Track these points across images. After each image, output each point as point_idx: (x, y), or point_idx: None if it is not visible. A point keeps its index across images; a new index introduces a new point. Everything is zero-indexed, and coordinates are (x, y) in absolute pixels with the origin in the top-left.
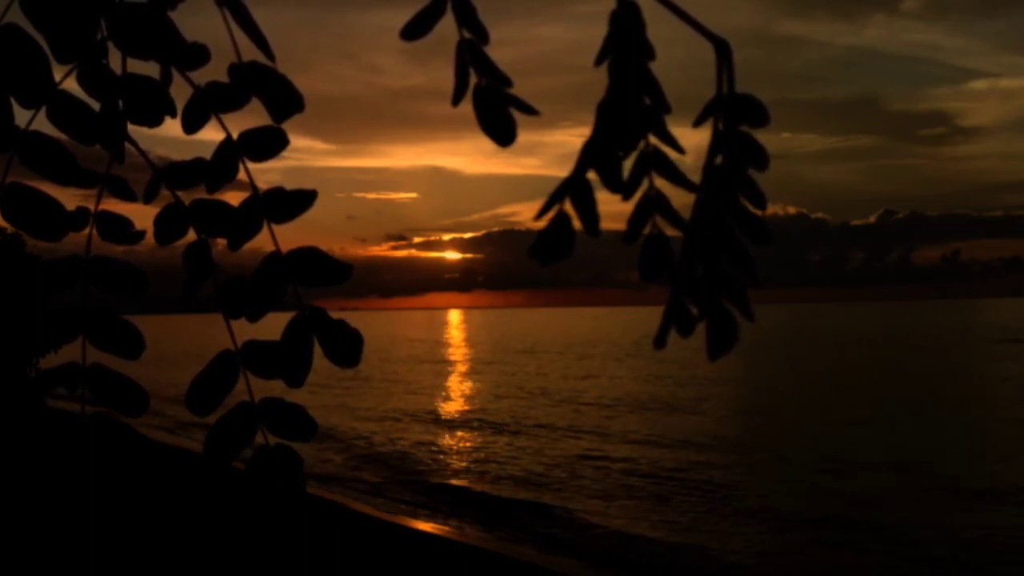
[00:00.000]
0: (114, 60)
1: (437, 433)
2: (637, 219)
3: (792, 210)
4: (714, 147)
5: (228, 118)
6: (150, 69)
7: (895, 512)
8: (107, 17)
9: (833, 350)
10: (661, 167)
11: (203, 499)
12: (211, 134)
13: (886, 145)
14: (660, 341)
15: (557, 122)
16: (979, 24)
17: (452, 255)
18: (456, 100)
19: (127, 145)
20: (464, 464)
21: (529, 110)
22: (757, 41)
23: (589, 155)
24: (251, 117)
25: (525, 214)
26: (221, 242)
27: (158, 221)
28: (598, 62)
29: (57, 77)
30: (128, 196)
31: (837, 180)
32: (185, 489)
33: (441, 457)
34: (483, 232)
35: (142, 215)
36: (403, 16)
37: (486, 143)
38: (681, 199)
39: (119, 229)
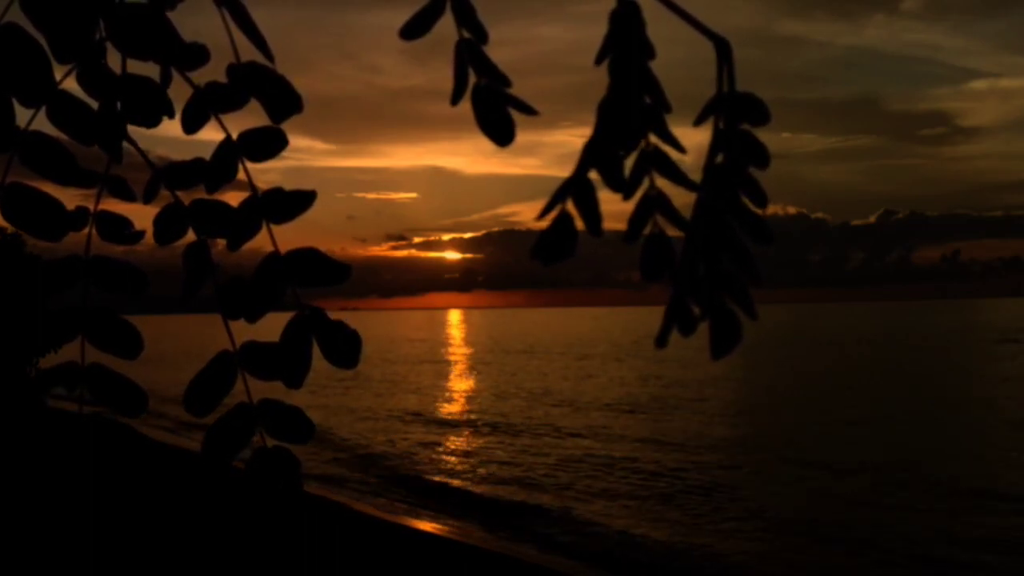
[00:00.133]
0: (113, 60)
1: (437, 433)
2: (638, 218)
3: (792, 210)
4: (715, 146)
5: (228, 118)
6: (149, 69)
7: (895, 513)
8: (106, 17)
9: (833, 350)
10: (662, 166)
11: (203, 499)
12: (211, 134)
13: (886, 145)
14: (662, 340)
15: (557, 122)
16: (979, 24)
17: (452, 255)
18: (455, 100)
19: (127, 145)
20: (464, 464)
21: (528, 110)
22: (757, 41)
23: (590, 154)
24: (251, 117)
25: (525, 214)
26: (221, 242)
27: (157, 221)
28: (598, 61)
29: (57, 77)
30: (128, 196)
31: (837, 180)
32: (185, 489)
33: (441, 457)
34: (483, 232)
35: (142, 215)
36: (403, 16)
37: (486, 143)
38: (682, 198)
39: (119, 229)
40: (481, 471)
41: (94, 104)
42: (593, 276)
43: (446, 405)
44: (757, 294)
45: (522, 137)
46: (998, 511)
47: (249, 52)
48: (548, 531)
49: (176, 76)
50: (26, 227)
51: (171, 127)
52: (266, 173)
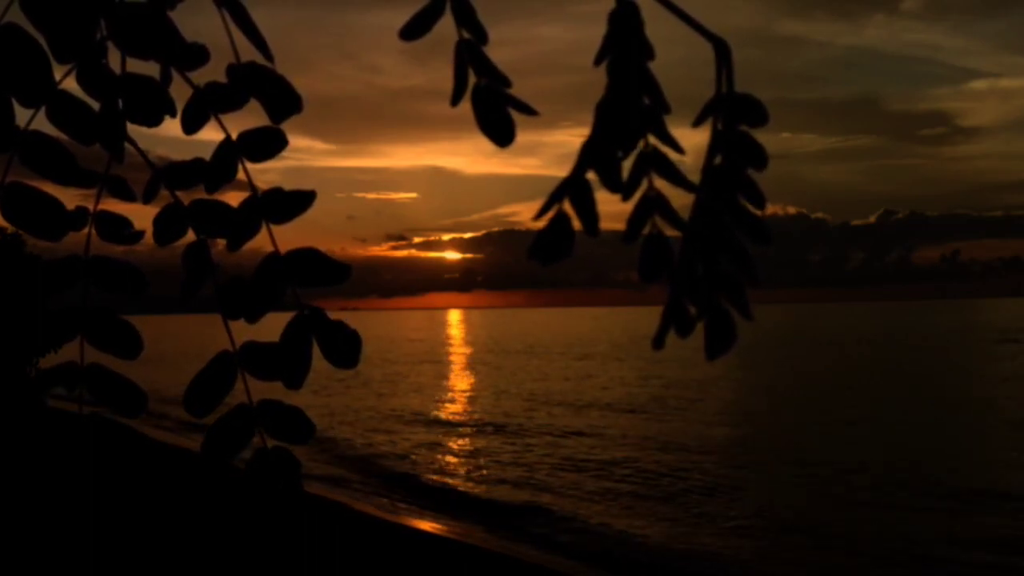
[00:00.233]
0: (114, 60)
1: (437, 434)
2: (636, 219)
3: (792, 210)
4: (713, 147)
5: (228, 118)
6: (149, 70)
7: (895, 513)
8: (107, 17)
9: (833, 350)
10: (660, 167)
11: (203, 499)
12: (210, 134)
13: (886, 145)
14: (659, 341)
15: (557, 122)
16: (979, 24)
17: (452, 255)
18: (455, 100)
19: (127, 145)
20: (464, 465)
21: (528, 110)
22: (757, 41)
23: (588, 155)
24: (251, 117)
25: (525, 214)
26: (220, 242)
27: (157, 221)
28: (597, 62)
29: (57, 77)
30: (127, 196)
31: (837, 180)
32: (185, 489)
33: (441, 458)
34: (483, 232)
35: (141, 215)
36: (403, 16)
37: (486, 143)
38: (680, 199)
39: (118, 229)
40: (481, 471)
41: (94, 104)
42: (592, 276)
43: (446, 405)
44: (757, 294)
45: (522, 137)
46: (998, 511)
47: (249, 52)
48: (548, 531)
49: (176, 76)
50: (26, 227)
51: (171, 127)
52: (266, 173)
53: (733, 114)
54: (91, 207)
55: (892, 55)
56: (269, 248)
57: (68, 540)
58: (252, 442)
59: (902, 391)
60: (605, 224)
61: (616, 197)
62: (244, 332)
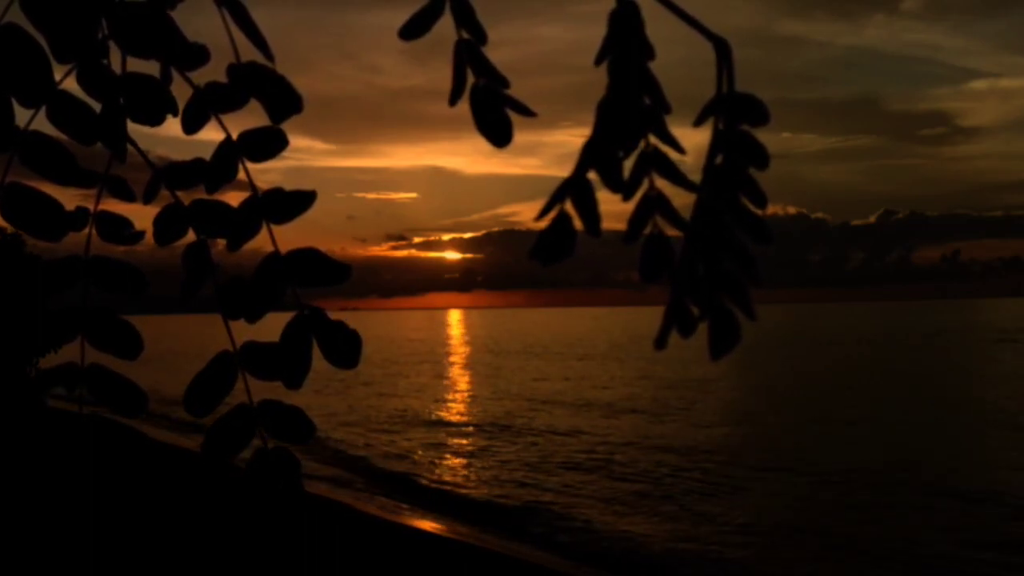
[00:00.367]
0: (114, 60)
1: (437, 434)
2: (638, 219)
3: (792, 210)
4: (714, 146)
5: (228, 118)
6: (150, 69)
7: (895, 514)
8: (107, 16)
9: (833, 350)
10: (661, 167)
11: (203, 499)
12: (211, 134)
13: (886, 145)
14: (661, 342)
15: (557, 122)
16: (979, 24)
17: (452, 255)
18: (453, 100)
19: (127, 145)
20: (464, 465)
21: (525, 111)
22: (757, 41)
23: (589, 155)
24: (251, 117)
25: (525, 214)
26: (221, 242)
27: (158, 221)
28: (598, 61)
29: (57, 77)
30: (128, 196)
31: (837, 180)
32: (185, 489)
33: (441, 458)
34: (483, 232)
35: (142, 215)
36: (403, 16)
37: (486, 143)
38: (682, 199)
39: (118, 229)
40: (482, 471)
41: (94, 104)
42: (592, 276)
43: (446, 405)
44: (757, 294)
45: (522, 137)
46: (999, 513)
47: (249, 52)
48: (548, 531)
49: (176, 76)
50: (26, 227)
51: (171, 127)
52: (266, 173)
53: (734, 113)
54: (91, 207)
55: (892, 55)
56: (269, 248)
57: (68, 540)
58: (252, 442)
59: (902, 391)
60: (605, 224)
61: (616, 197)
62: (244, 332)
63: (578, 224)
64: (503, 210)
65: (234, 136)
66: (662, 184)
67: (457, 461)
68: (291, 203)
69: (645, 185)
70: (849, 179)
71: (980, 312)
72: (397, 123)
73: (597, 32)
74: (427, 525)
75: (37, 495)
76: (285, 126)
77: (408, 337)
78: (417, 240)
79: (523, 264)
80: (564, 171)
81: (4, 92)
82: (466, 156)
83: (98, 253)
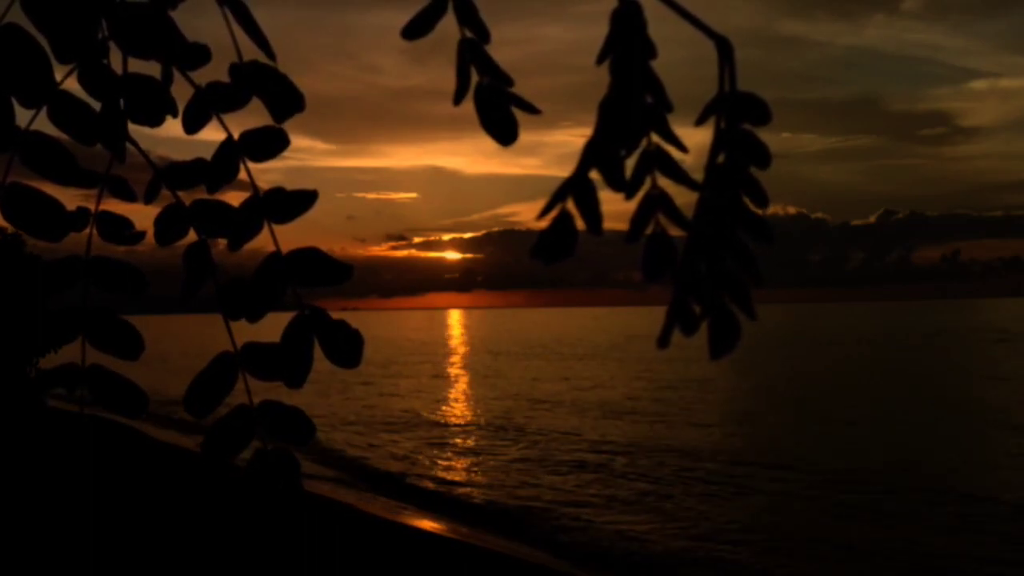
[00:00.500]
0: (115, 60)
1: (437, 434)
2: (640, 218)
3: (792, 210)
4: (716, 145)
5: (229, 118)
6: (151, 69)
7: (894, 515)
8: (108, 17)
9: (833, 350)
10: (664, 166)
11: (203, 499)
12: (212, 134)
13: (886, 145)
14: (664, 340)
15: (557, 122)
16: (979, 24)
17: (452, 255)
18: (458, 99)
19: (128, 145)
20: (464, 465)
21: (531, 109)
22: (757, 41)
23: (591, 154)
24: (252, 117)
25: (525, 214)
26: (221, 243)
27: (158, 221)
28: (600, 60)
29: (58, 77)
30: (128, 196)
31: (837, 180)
32: (185, 489)
33: (441, 458)
34: (483, 232)
35: (142, 215)
36: (403, 16)
37: (486, 143)
38: (683, 198)
39: (119, 229)
40: (482, 471)
41: (95, 104)
42: (593, 276)
43: (446, 406)
44: (757, 294)
45: (522, 137)
46: (999, 513)
47: (250, 52)
48: (548, 531)
49: (177, 76)
50: (26, 227)
51: (172, 127)
52: (267, 173)
53: (736, 112)
54: (92, 207)
55: (892, 55)
56: (269, 248)
57: (68, 540)
58: (252, 442)
59: (902, 391)
60: (605, 224)
61: (617, 196)
62: (244, 332)
63: (579, 223)
64: (503, 210)
65: (235, 136)
66: (664, 183)
67: (457, 461)
68: (292, 203)
69: (647, 184)
70: (849, 179)
71: (980, 312)
72: (397, 123)
73: (598, 32)
74: (427, 525)
75: (37, 495)
76: (285, 126)
77: (408, 337)
78: (417, 240)
79: (523, 264)
80: (564, 171)
81: (5, 92)
82: (466, 156)
83: (99, 253)
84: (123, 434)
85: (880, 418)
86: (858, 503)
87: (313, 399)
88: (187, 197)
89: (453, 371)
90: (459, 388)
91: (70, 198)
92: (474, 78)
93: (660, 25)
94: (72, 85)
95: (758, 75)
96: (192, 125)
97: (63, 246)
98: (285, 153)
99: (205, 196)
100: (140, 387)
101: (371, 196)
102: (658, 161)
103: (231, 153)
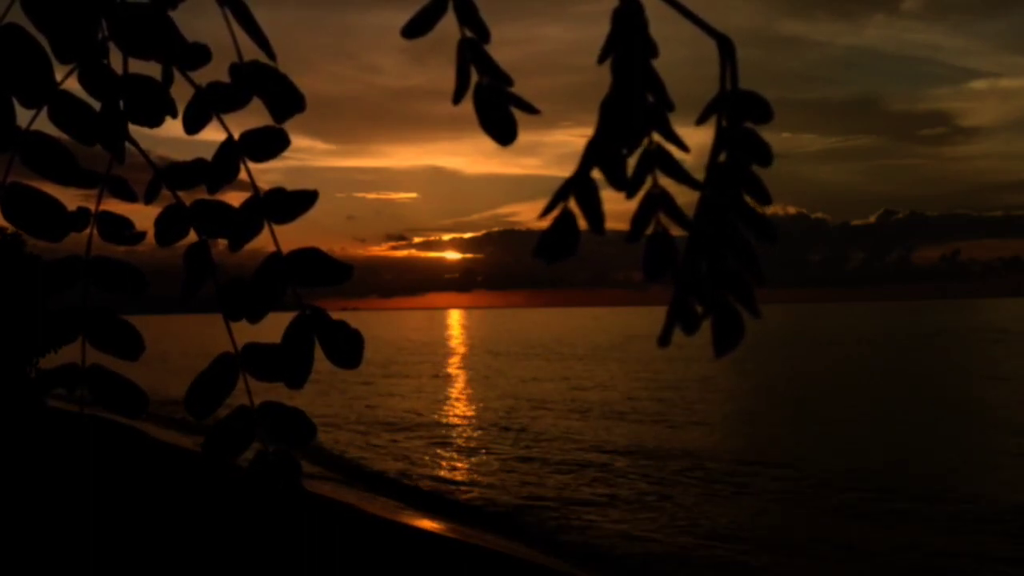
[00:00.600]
0: (115, 60)
1: (437, 434)
2: (641, 217)
3: (792, 210)
4: (718, 144)
5: (229, 118)
6: (151, 70)
7: (894, 515)
8: (108, 17)
9: (833, 350)
10: (665, 165)
11: (203, 499)
12: (212, 134)
13: (886, 145)
14: (664, 339)
15: (557, 122)
16: (979, 24)
17: (452, 255)
18: (457, 99)
19: (128, 145)
20: (464, 465)
21: (530, 109)
22: (757, 41)
23: (593, 153)
24: (252, 117)
25: (525, 214)
26: (222, 243)
27: (159, 222)
28: (601, 59)
29: (58, 77)
30: (129, 196)
31: (837, 180)
32: (185, 489)
33: (441, 458)
34: (483, 232)
35: (143, 215)
36: (403, 16)
37: (486, 143)
38: (685, 197)
39: (120, 229)
40: (482, 471)
41: (95, 104)
42: (593, 276)
43: (446, 406)
44: (757, 294)
45: (522, 137)
46: (998, 514)
47: (250, 52)
48: (548, 531)
49: (177, 76)
50: (27, 227)
51: (172, 127)
52: (267, 173)
53: (737, 111)
54: (93, 207)
55: (892, 55)
56: (269, 248)
57: (68, 540)
58: (253, 443)
59: (902, 391)
60: (607, 223)
61: (617, 196)
62: (245, 332)
63: (581, 223)
64: (503, 210)
65: (236, 136)
66: (666, 182)
67: (457, 461)
68: (292, 203)
69: (649, 183)
70: (849, 179)
71: (980, 312)
72: (397, 123)
73: (598, 32)
74: (427, 525)
75: (37, 495)
76: (286, 126)
77: (408, 337)
78: (417, 240)
79: (523, 264)
80: (565, 171)
81: (5, 92)
82: (466, 156)
83: (99, 253)
84: (123, 434)
85: (880, 418)
86: (858, 503)
87: (313, 399)
88: (187, 197)
89: (453, 371)
90: (459, 388)
91: (70, 198)
92: (474, 78)
93: (661, 24)
94: (72, 85)
95: (758, 75)
96: (192, 125)
97: (63, 246)
98: (285, 153)
99: (205, 196)
100: (140, 387)
101: (371, 196)
102: (659, 160)
103: (231, 153)
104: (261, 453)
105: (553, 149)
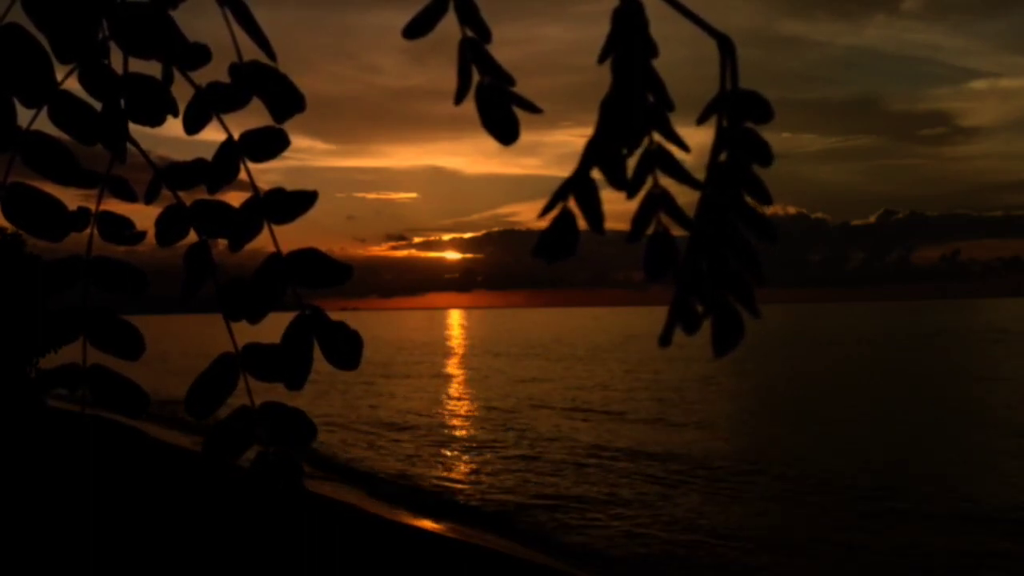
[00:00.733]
0: (115, 60)
1: (437, 435)
2: (641, 217)
3: (792, 210)
4: (718, 143)
5: (229, 118)
6: (151, 69)
7: (894, 516)
8: (108, 17)
9: (833, 350)
10: (665, 164)
11: (204, 499)
12: (212, 134)
13: (886, 145)
14: (665, 339)
15: (557, 122)
16: (979, 24)
17: (452, 255)
18: (459, 99)
19: (128, 145)
20: (464, 464)
21: (532, 108)
22: (757, 41)
23: (593, 153)
24: (252, 117)
25: (525, 214)
26: (222, 243)
27: (159, 222)
28: (601, 59)
29: (59, 77)
30: (129, 196)
31: (837, 180)
32: (186, 489)
33: (441, 458)
34: (483, 232)
35: (143, 215)
36: (403, 16)
37: (486, 143)
38: (685, 197)
39: (120, 229)
40: (482, 471)
41: (96, 104)
42: (593, 276)
43: (446, 406)
44: (757, 294)
45: (523, 137)
46: (998, 514)
47: (250, 52)
48: (548, 531)
49: (177, 76)
50: (28, 227)
51: (173, 127)
52: (267, 173)
53: (738, 111)
54: (93, 207)
55: (892, 55)
56: (269, 248)
57: (68, 540)
58: (253, 443)
59: (902, 391)
60: (606, 223)
61: (616, 197)
62: (245, 333)
63: (581, 222)
64: (503, 210)
65: (236, 136)
66: (666, 182)
67: (457, 461)
68: (292, 203)
69: (649, 183)
70: (849, 179)
71: (980, 312)
72: (397, 123)
73: (598, 32)
74: (427, 525)
75: (37, 495)
76: (286, 126)
77: (408, 337)
78: (417, 240)
79: (523, 264)
80: (565, 171)
81: (6, 92)
82: (466, 156)
83: (99, 253)
84: (124, 434)
85: (880, 418)
86: (858, 503)
87: (314, 400)
88: (188, 197)
89: (453, 371)
90: (459, 388)
91: (71, 198)
92: (475, 78)
93: (661, 24)
94: (73, 85)
95: (758, 75)
96: (192, 125)
97: (63, 246)
98: (285, 153)
99: (205, 196)
100: (141, 387)
101: (371, 196)
102: (660, 160)
103: (231, 153)
104: (262, 453)
105: (553, 149)
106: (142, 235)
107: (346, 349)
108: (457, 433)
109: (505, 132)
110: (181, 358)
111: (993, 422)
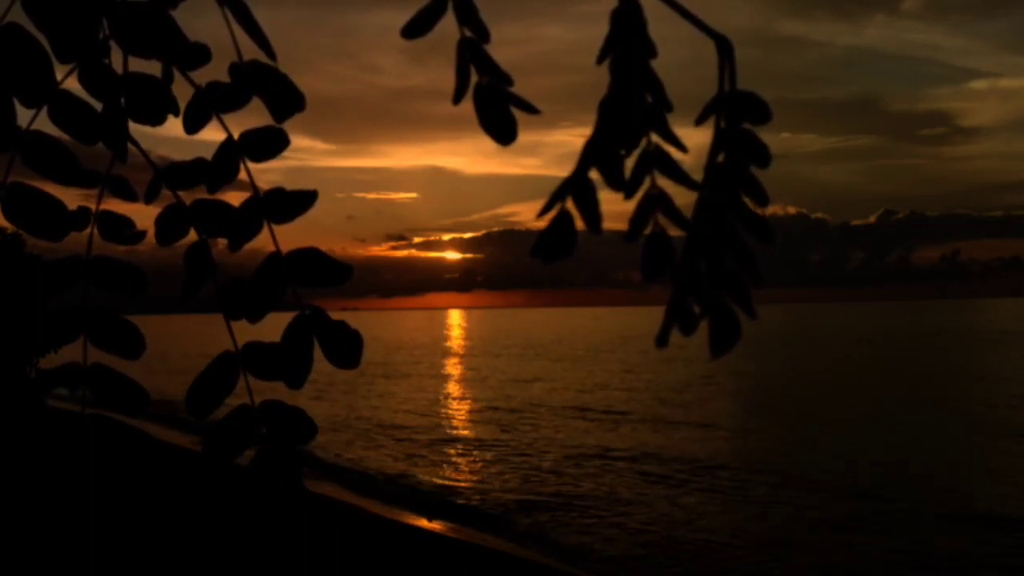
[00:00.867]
0: (115, 59)
1: (437, 435)
2: (639, 218)
3: (792, 210)
4: (716, 144)
5: (229, 118)
6: (152, 69)
7: (894, 516)
8: (109, 16)
9: (833, 350)
10: (663, 165)
11: (204, 499)
12: (212, 134)
13: (886, 145)
14: (662, 340)
15: (557, 122)
16: (979, 24)
17: (452, 255)
18: (457, 99)
19: (129, 145)
20: (464, 464)
21: (530, 108)
22: (757, 41)
23: (591, 153)
24: (252, 117)
25: (525, 214)
26: (222, 242)
27: (159, 221)
28: (600, 60)
29: (59, 76)
30: (129, 196)
31: (837, 180)
32: (186, 489)
33: (441, 458)
34: (483, 232)
35: (143, 215)
36: (403, 16)
37: (486, 143)
38: (683, 198)
39: (120, 229)
40: (482, 471)
41: (96, 104)
42: (593, 276)
43: (445, 406)
44: (757, 294)
45: (522, 137)
46: (998, 514)
47: (250, 51)
48: (548, 531)
49: (177, 76)
50: (28, 227)
51: (173, 127)
52: (267, 173)
53: (736, 111)
54: (93, 207)
55: (892, 55)
56: (269, 248)
57: (68, 540)
58: (252, 443)
59: (902, 391)
60: (605, 224)
61: (615, 197)
62: (244, 332)
63: (579, 223)
64: (503, 210)
65: (235, 136)
66: (664, 183)
67: (457, 461)
68: (292, 203)
69: (647, 184)
70: (849, 179)
71: (980, 312)
72: (397, 123)
73: (597, 32)
74: (427, 525)
75: (37, 495)
76: (286, 126)
77: (408, 338)
78: (417, 240)
79: (523, 264)
80: (564, 171)
81: (6, 92)
82: (466, 156)
83: (99, 253)
84: (124, 433)
85: (880, 418)
86: (858, 504)
87: (313, 400)
88: (188, 197)
89: (453, 371)
90: (459, 388)
91: (71, 198)
92: (474, 78)
93: (660, 24)
94: (73, 85)
95: (758, 75)
96: (192, 125)
97: (63, 246)
98: (285, 153)
99: (205, 196)
100: (142, 386)
101: (371, 196)
102: (657, 161)
103: (231, 153)
104: (262, 452)
105: (553, 149)
106: (142, 235)
107: (346, 348)
108: (457, 433)
109: (503, 132)
110: (181, 358)
111: (993, 422)
